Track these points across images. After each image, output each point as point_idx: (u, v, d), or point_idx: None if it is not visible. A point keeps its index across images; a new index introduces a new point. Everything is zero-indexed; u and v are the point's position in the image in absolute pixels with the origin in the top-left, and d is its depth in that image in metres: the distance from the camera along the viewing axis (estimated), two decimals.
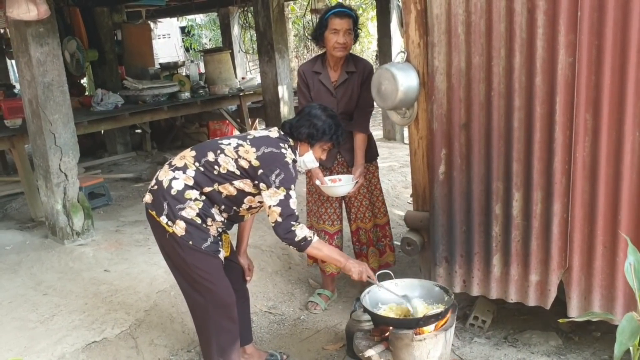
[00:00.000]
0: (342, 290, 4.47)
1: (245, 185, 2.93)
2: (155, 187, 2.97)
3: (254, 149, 2.92)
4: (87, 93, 9.73)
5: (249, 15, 10.42)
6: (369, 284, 3.16)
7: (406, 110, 3.43)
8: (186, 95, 7.99)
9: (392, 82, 3.28)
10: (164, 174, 2.96)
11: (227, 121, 9.58)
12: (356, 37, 3.83)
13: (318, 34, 3.82)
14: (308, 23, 10.55)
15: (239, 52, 11.78)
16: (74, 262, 4.70)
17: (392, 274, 3.23)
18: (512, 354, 3.42)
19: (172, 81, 8.12)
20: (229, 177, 2.91)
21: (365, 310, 3.02)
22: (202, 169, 2.91)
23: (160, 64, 9.71)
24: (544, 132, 2.98)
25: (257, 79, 9.92)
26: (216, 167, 2.91)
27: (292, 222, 2.88)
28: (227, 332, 3.08)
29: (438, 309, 2.97)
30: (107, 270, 4.51)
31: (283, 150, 2.94)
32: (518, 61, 2.98)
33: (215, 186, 2.91)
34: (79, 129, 5.34)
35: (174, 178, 2.92)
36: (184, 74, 9.58)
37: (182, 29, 19.17)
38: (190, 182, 2.90)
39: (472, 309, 3.71)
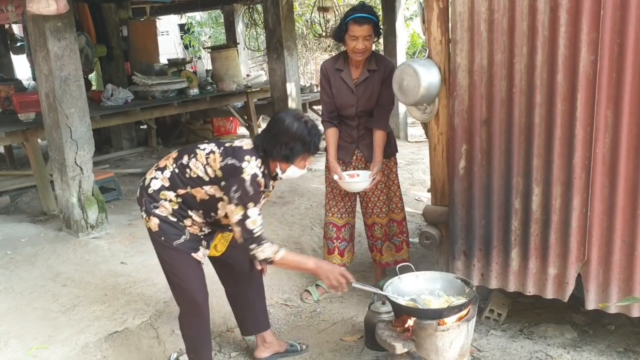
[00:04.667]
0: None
1: (216, 191, 2.91)
2: (142, 183, 3.08)
3: (220, 158, 2.88)
4: (93, 88, 9.76)
5: (254, 12, 10.48)
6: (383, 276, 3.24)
7: (427, 106, 3.49)
8: (195, 91, 8.05)
9: (414, 78, 3.34)
10: (149, 173, 3.08)
11: (231, 118, 9.63)
12: (378, 35, 3.87)
13: (338, 37, 3.87)
14: (313, 21, 10.58)
15: (243, 49, 11.82)
16: (90, 255, 4.76)
17: (412, 267, 3.30)
18: (528, 345, 3.48)
19: (180, 77, 8.17)
20: (198, 181, 2.92)
21: (389, 301, 3.08)
22: (176, 170, 2.97)
23: (168, 60, 9.75)
24: (565, 128, 3.05)
25: (263, 76, 9.98)
26: (187, 170, 2.94)
27: (251, 246, 2.87)
28: (195, 328, 3.19)
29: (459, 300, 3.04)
30: (123, 263, 4.57)
31: (244, 164, 2.82)
32: (540, 59, 3.04)
33: (188, 189, 2.94)
34: (92, 123, 5.38)
35: (154, 178, 3.01)
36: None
37: (181, 26, 19.12)
38: (167, 184, 2.97)
39: (487, 303, 3.77)
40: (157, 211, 2.96)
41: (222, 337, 3.81)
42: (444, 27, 3.35)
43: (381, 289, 3.17)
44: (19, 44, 10.86)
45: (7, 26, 11.02)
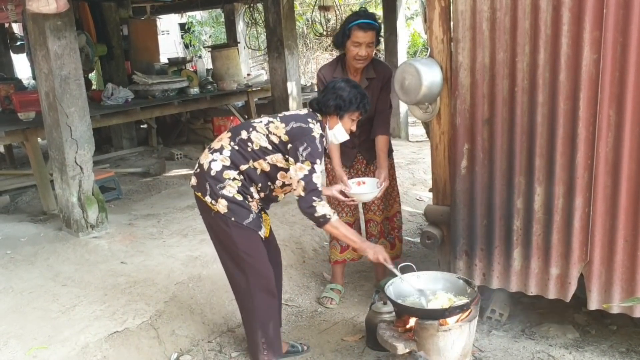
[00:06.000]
0: (357, 283, 4.53)
1: (277, 160, 3.07)
2: (198, 170, 3.14)
3: (283, 125, 3.07)
4: (93, 87, 9.74)
5: (255, 11, 10.45)
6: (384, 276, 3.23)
7: (428, 105, 3.48)
8: (195, 90, 8.03)
9: (416, 77, 3.32)
10: (204, 158, 3.13)
11: (232, 117, 9.61)
12: (378, 43, 3.84)
13: (340, 42, 3.82)
14: (314, 20, 10.56)
15: (244, 48, 11.80)
16: (90, 254, 4.74)
17: (414, 267, 3.28)
18: (530, 346, 3.47)
19: (181, 76, 8.16)
20: (261, 153, 3.06)
21: (391, 301, 3.07)
22: (237, 147, 3.07)
23: (168, 59, 9.73)
24: (567, 127, 3.03)
25: (264, 75, 9.96)
26: (249, 144, 3.06)
27: (314, 198, 3.01)
28: (267, 306, 3.24)
29: (460, 300, 3.03)
30: (123, 263, 4.55)
31: (311, 125, 3.05)
32: (542, 57, 3.03)
33: (250, 163, 3.05)
34: (92, 122, 5.36)
35: (213, 160, 3.08)
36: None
37: (182, 25, 19.11)
38: (227, 162, 3.05)
39: (489, 303, 3.75)
40: (224, 192, 3.03)
41: (222, 337, 3.80)
42: (446, 25, 3.34)
43: (382, 289, 3.16)
44: (19, 43, 10.84)
45: (7, 25, 11.00)
